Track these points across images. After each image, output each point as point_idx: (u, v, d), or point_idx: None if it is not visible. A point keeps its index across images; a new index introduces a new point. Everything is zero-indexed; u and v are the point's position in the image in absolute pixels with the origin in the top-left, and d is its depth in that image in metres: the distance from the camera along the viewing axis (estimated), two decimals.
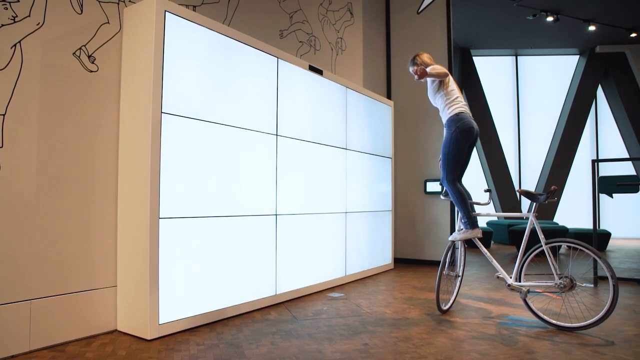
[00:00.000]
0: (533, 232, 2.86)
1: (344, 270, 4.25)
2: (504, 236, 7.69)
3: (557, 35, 8.83)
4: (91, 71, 2.56)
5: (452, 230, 5.40)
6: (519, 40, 9.29)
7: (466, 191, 3.25)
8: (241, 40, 3.13)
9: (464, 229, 3.11)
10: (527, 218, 2.90)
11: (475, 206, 3.24)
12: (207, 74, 2.86)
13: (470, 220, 3.08)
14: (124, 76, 2.68)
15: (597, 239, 4.48)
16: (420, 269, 5.18)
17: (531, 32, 8.67)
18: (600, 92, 10.02)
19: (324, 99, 4.02)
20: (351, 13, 5.36)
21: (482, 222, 8.61)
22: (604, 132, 10.11)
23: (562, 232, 6.76)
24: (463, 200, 3.09)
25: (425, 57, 3.33)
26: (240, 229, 3.06)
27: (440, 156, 3.18)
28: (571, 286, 2.68)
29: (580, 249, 2.66)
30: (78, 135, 2.51)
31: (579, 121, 9.68)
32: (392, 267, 5.22)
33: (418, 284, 4.27)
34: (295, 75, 3.66)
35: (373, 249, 4.80)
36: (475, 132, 3.12)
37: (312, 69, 3.87)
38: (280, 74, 3.49)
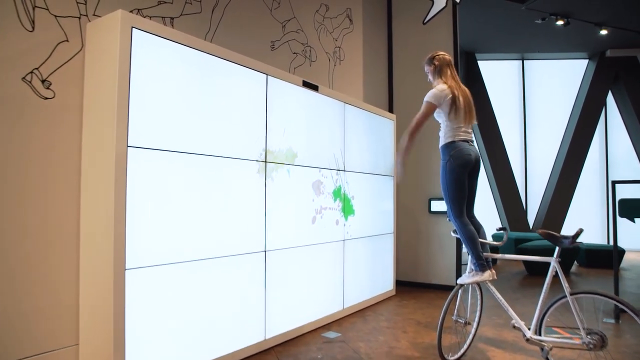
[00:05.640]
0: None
1: (342, 303, 3.90)
2: (512, 253, 7.34)
3: (565, 38, 8.44)
4: (46, 98, 2.21)
5: (459, 252, 5.05)
6: (526, 44, 8.90)
7: (479, 227, 2.91)
8: (223, 57, 2.77)
9: (474, 271, 2.76)
10: (549, 263, 2.54)
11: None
12: (183, 98, 2.50)
13: (481, 262, 2.73)
14: (86, 103, 2.33)
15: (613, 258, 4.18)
16: (424, 295, 4.82)
17: (538, 36, 8.28)
18: (610, 98, 9.63)
19: (320, 117, 3.66)
20: (350, 20, 4.99)
21: (487, 235, 8.24)
22: (613, 140, 9.71)
23: (575, 251, 6.40)
24: (472, 239, 2.75)
25: (444, 59, 3.20)
26: (223, 270, 2.71)
27: (441, 189, 2.85)
28: (602, 345, 2.32)
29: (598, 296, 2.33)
30: (31, 175, 2.15)
31: (588, 128, 9.29)
32: (393, 292, 4.86)
33: (422, 317, 3.91)
34: (288, 92, 3.31)
35: (373, 276, 4.45)
36: (473, 159, 2.80)
37: (306, 84, 3.51)
38: (270, 92, 3.13)
